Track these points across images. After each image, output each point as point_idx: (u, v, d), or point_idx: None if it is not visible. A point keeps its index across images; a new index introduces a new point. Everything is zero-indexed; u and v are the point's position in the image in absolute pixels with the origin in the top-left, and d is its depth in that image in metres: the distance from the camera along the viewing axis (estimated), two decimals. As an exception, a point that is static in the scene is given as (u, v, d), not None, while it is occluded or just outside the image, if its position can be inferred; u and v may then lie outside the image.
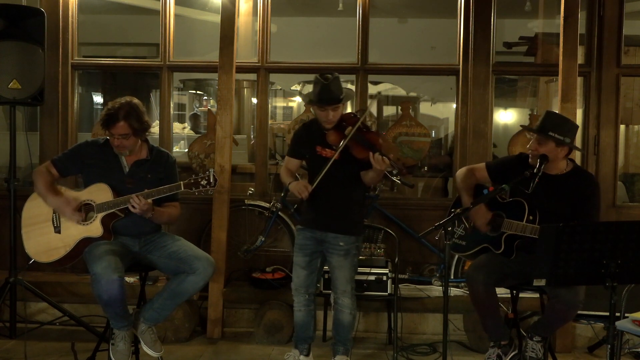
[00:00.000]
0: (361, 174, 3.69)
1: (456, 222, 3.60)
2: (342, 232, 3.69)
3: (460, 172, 3.84)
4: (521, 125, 4.80)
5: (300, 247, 3.79)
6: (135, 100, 3.50)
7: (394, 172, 3.47)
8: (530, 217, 3.43)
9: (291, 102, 9.12)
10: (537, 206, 3.45)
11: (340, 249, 3.68)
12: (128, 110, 3.42)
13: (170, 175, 3.61)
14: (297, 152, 3.84)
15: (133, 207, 3.35)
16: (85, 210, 3.45)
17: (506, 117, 8.94)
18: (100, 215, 3.41)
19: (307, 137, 3.79)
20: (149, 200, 3.38)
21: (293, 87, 8.57)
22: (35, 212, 3.50)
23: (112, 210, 3.41)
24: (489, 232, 3.59)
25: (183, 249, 3.49)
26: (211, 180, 3.39)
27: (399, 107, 7.16)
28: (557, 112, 3.66)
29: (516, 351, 3.54)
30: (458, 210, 3.27)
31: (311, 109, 3.67)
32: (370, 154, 3.44)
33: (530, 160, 3.52)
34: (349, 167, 3.62)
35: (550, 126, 3.45)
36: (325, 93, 3.53)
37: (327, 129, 3.64)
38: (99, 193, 3.44)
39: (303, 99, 3.98)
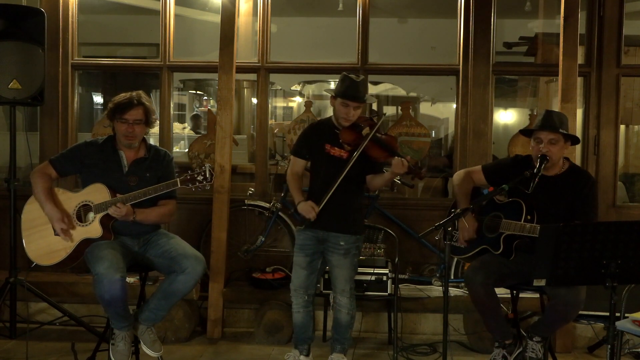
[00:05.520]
0: (368, 178, 3.74)
1: (456, 223, 3.60)
2: (344, 231, 3.70)
3: (457, 175, 3.83)
4: (522, 130, 4.69)
5: (301, 247, 3.79)
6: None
7: (410, 176, 3.54)
8: (528, 217, 3.42)
9: (291, 102, 9.10)
10: (535, 206, 3.45)
11: (341, 248, 3.70)
12: (140, 97, 3.50)
13: (168, 173, 3.61)
14: (303, 152, 3.83)
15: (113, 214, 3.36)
16: (83, 212, 3.45)
17: (506, 117, 8.94)
18: (99, 216, 3.40)
19: (315, 135, 3.80)
20: (128, 205, 3.37)
21: (293, 87, 8.56)
22: (35, 215, 3.49)
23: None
24: (487, 233, 3.59)
25: (174, 248, 3.47)
26: (207, 175, 3.38)
27: (399, 107, 7.17)
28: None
29: (521, 349, 3.54)
30: (458, 210, 3.27)
31: (334, 104, 3.68)
32: (396, 158, 3.49)
33: (544, 163, 3.44)
34: (355, 168, 3.64)
35: (558, 123, 3.44)
36: (353, 90, 3.61)
37: (339, 129, 3.68)
38: (97, 193, 3.43)
39: (327, 92, 3.99)
